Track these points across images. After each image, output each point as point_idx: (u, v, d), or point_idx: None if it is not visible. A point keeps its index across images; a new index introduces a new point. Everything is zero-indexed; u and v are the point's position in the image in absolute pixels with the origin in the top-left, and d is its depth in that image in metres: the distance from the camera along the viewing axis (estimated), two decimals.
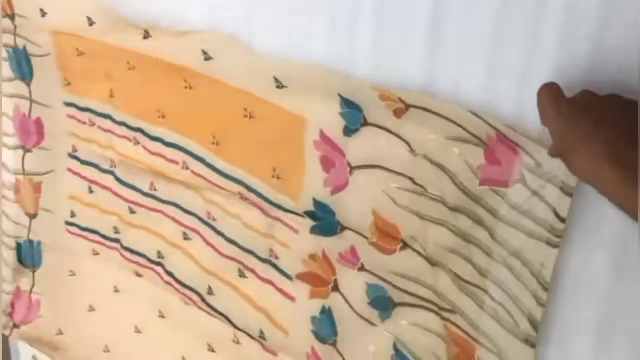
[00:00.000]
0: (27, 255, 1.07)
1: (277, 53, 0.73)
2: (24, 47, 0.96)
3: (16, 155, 1.02)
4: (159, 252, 0.94)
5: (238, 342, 0.88)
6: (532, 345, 0.60)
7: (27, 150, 1.02)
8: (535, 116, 0.55)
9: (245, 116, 0.77)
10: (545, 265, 0.58)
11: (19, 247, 1.06)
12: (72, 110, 0.96)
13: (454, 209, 0.65)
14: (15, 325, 1.10)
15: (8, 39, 0.96)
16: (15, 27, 0.94)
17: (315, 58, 0.71)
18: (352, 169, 0.72)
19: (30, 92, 0.98)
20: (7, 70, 0.99)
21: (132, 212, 0.94)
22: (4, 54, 0.98)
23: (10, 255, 1.07)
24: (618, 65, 0.55)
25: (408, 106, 0.66)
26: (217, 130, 0.81)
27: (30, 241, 1.06)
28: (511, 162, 0.60)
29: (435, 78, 0.64)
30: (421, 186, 0.67)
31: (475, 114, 0.61)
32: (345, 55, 0.69)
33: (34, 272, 1.08)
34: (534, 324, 0.60)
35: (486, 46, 0.60)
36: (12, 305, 1.10)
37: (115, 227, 0.98)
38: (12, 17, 0.93)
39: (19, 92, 0.99)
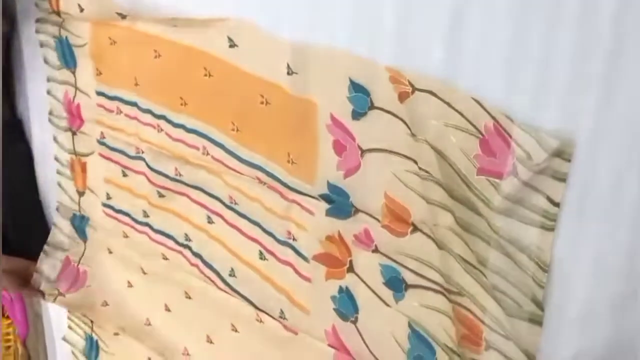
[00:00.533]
0: (79, 228, 1.14)
1: (299, 37, 0.74)
2: (66, 38, 1.02)
3: (67, 136, 1.10)
4: (186, 234, 0.97)
5: (261, 321, 0.91)
6: (539, 324, 0.62)
7: (74, 133, 1.08)
8: (554, 115, 0.57)
9: (262, 103, 0.80)
10: (543, 248, 0.60)
11: (73, 218, 1.14)
12: (102, 100, 1.01)
13: (454, 197, 0.66)
14: (60, 294, 1.17)
15: (54, 30, 1.03)
16: (63, 20, 1.00)
17: (339, 42, 0.71)
18: (362, 152, 0.73)
19: (75, 79, 1.04)
20: (54, 59, 1.06)
21: (160, 195, 0.98)
22: (52, 44, 1.04)
23: (66, 225, 1.15)
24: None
25: (414, 89, 0.66)
26: (236, 117, 0.84)
27: (82, 216, 1.13)
28: (504, 153, 0.61)
29: (456, 70, 0.63)
30: (426, 171, 0.68)
31: (476, 100, 0.62)
32: (368, 46, 0.69)
33: (85, 242, 1.15)
34: (538, 304, 0.62)
35: (508, 40, 0.59)
36: (61, 273, 1.17)
37: (144, 211, 1.02)
38: (58, 13, 0.99)
39: (66, 79, 1.06)
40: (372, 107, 0.70)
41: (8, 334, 1.54)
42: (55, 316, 1.32)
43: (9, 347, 1.56)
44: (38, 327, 1.40)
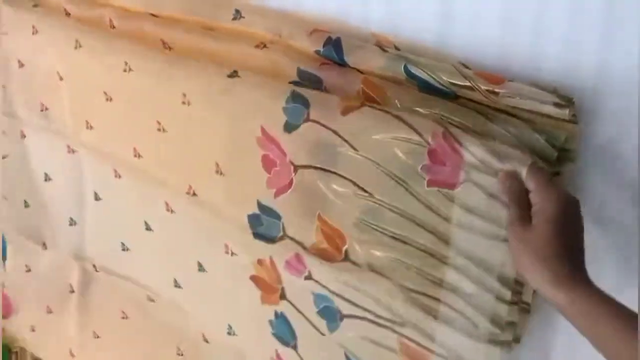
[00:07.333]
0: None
1: (289, 6, 0.70)
2: None
3: None
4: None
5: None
6: (499, 344, 0.58)
7: None
8: (550, 71, 0.55)
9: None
10: (506, 263, 0.56)
11: None
12: None
13: (405, 217, 0.60)
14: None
15: None
16: None
17: (329, 10, 0.67)
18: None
19: None
20: None
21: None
22: None
23: None
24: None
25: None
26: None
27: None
28: (455, 162, 0.56)
29: (449, 29, 0.60)
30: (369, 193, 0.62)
31: (464, 64, 0.58)
32: (359, 7, 0.65)
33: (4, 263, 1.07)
34: (498, 323, 0.58)
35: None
36: None
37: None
38: None
39: None
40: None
41: None
42: None
43: None
44: None
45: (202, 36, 0.72)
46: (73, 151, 0.89)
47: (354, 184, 0.61)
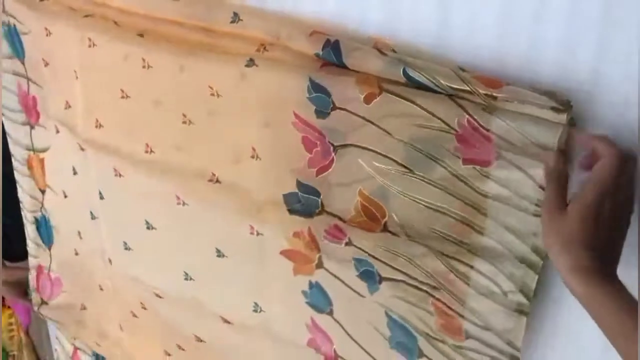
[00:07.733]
0: (43, 232, 1.09)
1: (287, 9, 0.71)
2: (14, 25, 0.94)
3: (25, 131, 1.03)
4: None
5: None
6: (525, 314, 0.61)
7: (32, 127, 1.02)
8: (546, 75, 0.56)
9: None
10: (538, 234, 0.58)
11: (37, 223, 1.08)
12: None
13: (445, 190, 0.63)
14: (44, 302, 1.13)
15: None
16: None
17: (327, 13, 0.68)
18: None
19: (25, 70, 0.97)
20: (5, 47, 0.98)
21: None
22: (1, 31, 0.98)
23: (32, 230, 1.09)
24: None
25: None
26: None
27: (44, 217, 1.07)
28: (486, 145, 0.58)
29: (447, 34, 0.61)
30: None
31: (461, 68, 0.59)
32: (357, 11, 0.67)
33: (49, 248, 1.10)
34: (526, 293, 0.60)
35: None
36: (37, 281, 1.13)
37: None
38: None
39: (17, 69, 0.99)
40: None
41: (11, 323, 1.53)
42: None
43: (12, 336, 1.55)
44: (40, 315, 1.37)
45: (205, 37, 0.75)
46: (82, 149, 0.91)
47: (395, 161, 0.64)
